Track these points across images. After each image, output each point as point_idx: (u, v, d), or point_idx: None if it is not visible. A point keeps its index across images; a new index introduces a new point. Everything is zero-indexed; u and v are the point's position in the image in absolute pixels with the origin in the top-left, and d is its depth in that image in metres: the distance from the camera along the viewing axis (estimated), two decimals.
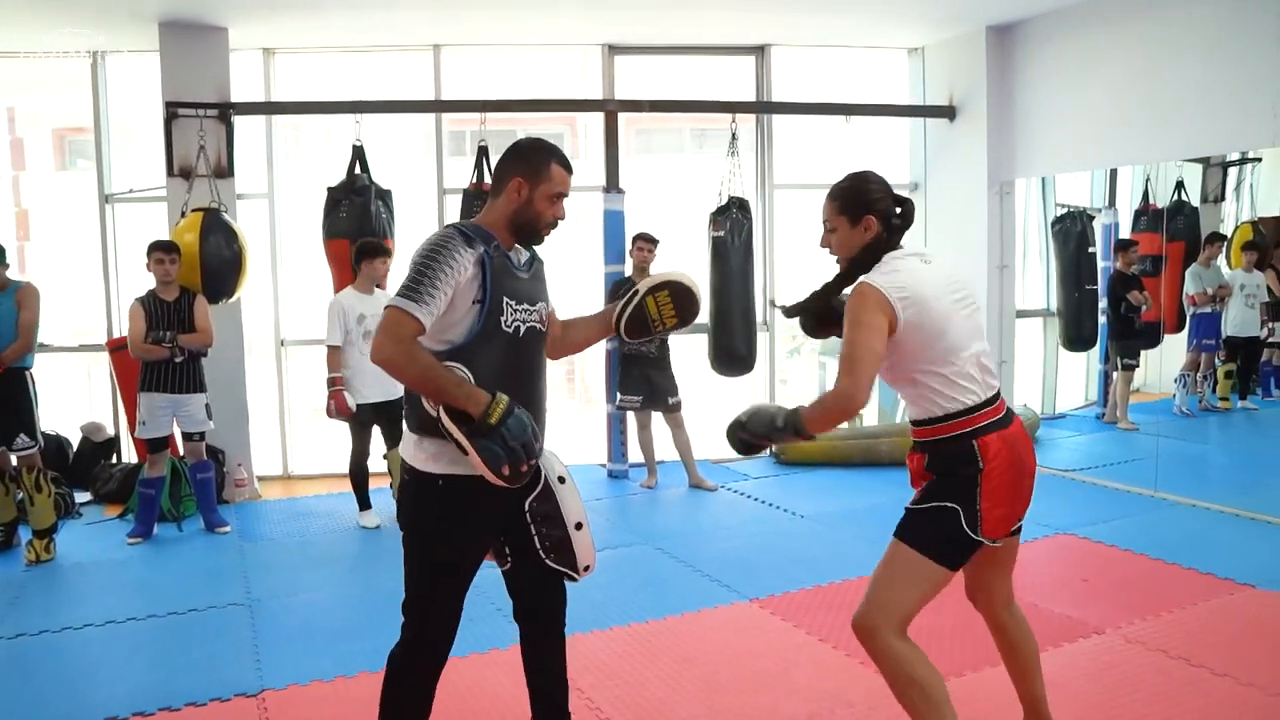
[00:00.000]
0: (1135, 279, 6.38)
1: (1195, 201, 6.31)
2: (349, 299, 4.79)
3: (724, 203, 5.92)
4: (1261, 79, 4.53)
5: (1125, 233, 6.59)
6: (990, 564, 2.29)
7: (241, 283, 5.22)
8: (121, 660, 3.30)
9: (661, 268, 5.57)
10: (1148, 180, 6.49)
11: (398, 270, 4.95)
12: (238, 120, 5.60)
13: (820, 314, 2.34)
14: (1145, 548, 4.24)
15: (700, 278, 5.85)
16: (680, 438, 5.69)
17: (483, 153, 5.65)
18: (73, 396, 6.62)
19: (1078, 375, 7.38)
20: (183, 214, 5.21)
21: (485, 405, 1.93)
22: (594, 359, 6.36)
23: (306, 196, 5.95)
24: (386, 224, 5.40)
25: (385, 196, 5.44)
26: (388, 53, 6.34)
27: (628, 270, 5.73)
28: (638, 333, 2.34)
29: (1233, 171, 6.28)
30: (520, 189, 2.09)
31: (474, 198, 5.56)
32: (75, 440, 5.95)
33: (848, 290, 2.18)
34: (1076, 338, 6.77)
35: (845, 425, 6.80)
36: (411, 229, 5.75)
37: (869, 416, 6.96)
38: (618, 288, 5.62)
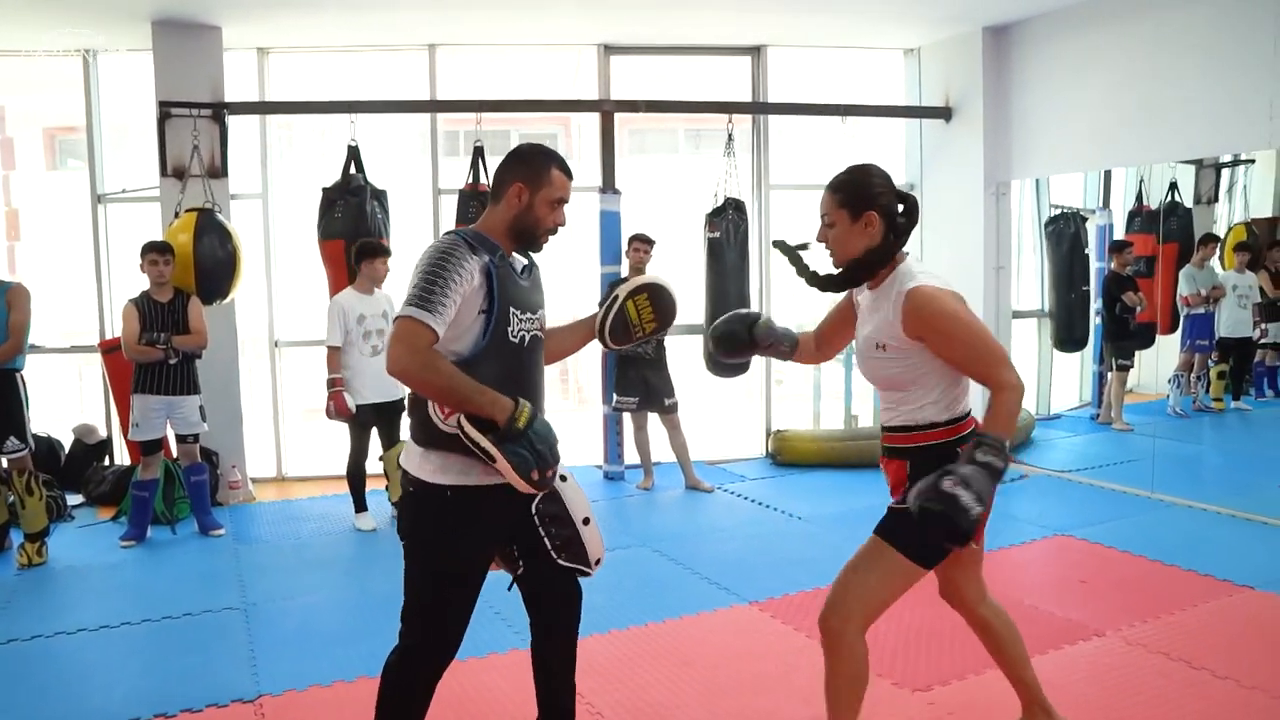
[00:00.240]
0: (1130, 280, 6.39)
1: (1188, 203, 6.32)
2: (349, 299, 4.76)
3: (720, 204, 5.91)
4: (1258, 81, 4.53)
5: (1120, 234, 6.60)
6: (958, 564, 2.28)
7: (236, 284, 5.19)
8: (116, 665, 3.26)
9: (652, 270, 5.57)
10: (1141, 181, 6.51)
11: (397, 273, 4.94)
12: (232, 120, 5.56)
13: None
14: (1143, 549, 4.24)
15: (696, 279, 5.95)
16: (677, 439, 5.68)
17: (479, 153, 5.63)
18: (64, 398, 6.58)
19: (1072, 376, 7.40)
20: (176, 214, 5.18)
21: (511, 411, 1.91)
22: (590, 360, 6.34)
23: (301, 197, 5.92)
24: (382, 224, 5.37)
25: (381, 197, 5.41)
26: (383, 52, 6.31)
27: (624, 271, 5.71)
28: (621, 339, 2.30)
29: (1225, 173, 6.30)
30: (521, 194, 2.07)
31: (470, 198, 5.53)
32: (67, 442, 5.89)
33: (864, 295, 2.14)
34: (1068, 338, 6.79)
35: (841, 426, 6.89)
36: (407, 230, 5.73)
37: (865, 418, 6.96)
38: (614, 288, 5.59)
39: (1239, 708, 2.76)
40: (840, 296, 2.35)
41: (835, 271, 2.19)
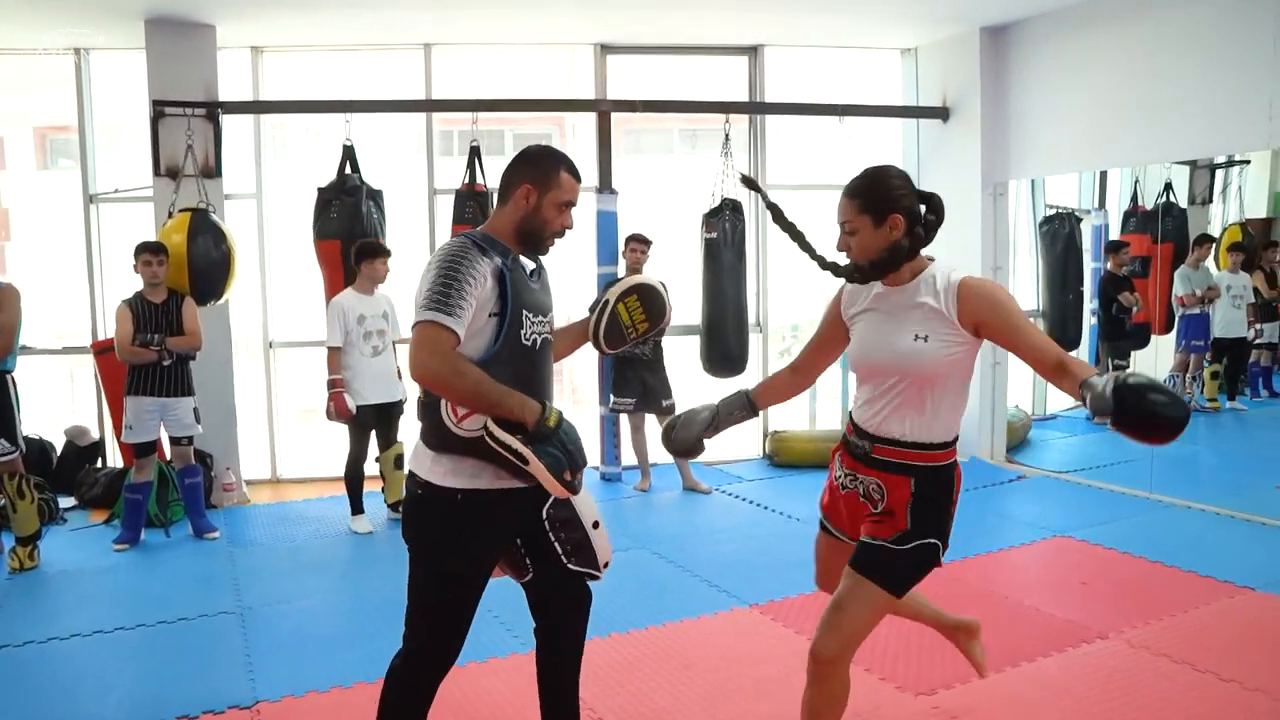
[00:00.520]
0: (1126, 280, 6.39)
1: (1183, 203, 6.33)
2: (349, 300, 4.73)
3: (717, 204, 5.89)
4: (1258, 81, 4.53)
5: (1115, 234, 6.61)
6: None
7: (230, 284, 5.14)
8: (110, 671, 3.22)
9: (648, 271, 5.55)
10: (1136, 182, 6.51)
11: (396, 273, 4.91)
12: (225, 119, 5.51)
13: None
14: (1143, 550, 4.24)
15: (693, 279, 5.93)
16: None
17: (475, 153, 5.59)
18: (56, 399, 6.52)
19: None
20: (170, 214, 5.13)
21: (541, 412, 1.90)
22: (586, 361, 6.31)
23: (295, 197, 5.88)
24: (378, 224, 5.34)
25: (376, 196, 5.38)
26: (378, 51, 6.27)
27: (621, 271, 5.68)
28: (615, 343, 2.28)
29: (1220, 173, 6.30)
30: (528, 196, 2.05)
31: (467, 198, 5.50)
32: (59, 444, 5.84)
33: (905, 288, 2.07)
34: (1061, 338, 6.77)
35: (838, 427, 6.87)
36: (402, 230, 5.69)
37: None
38: (609, 289, 5.57)
39: (1244, 711, 2.74)
40: (836, 302, 2.28)
41: (847, 262, 2.11)
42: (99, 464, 5.86)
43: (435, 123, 6.17)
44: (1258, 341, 6.37)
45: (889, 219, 2.01)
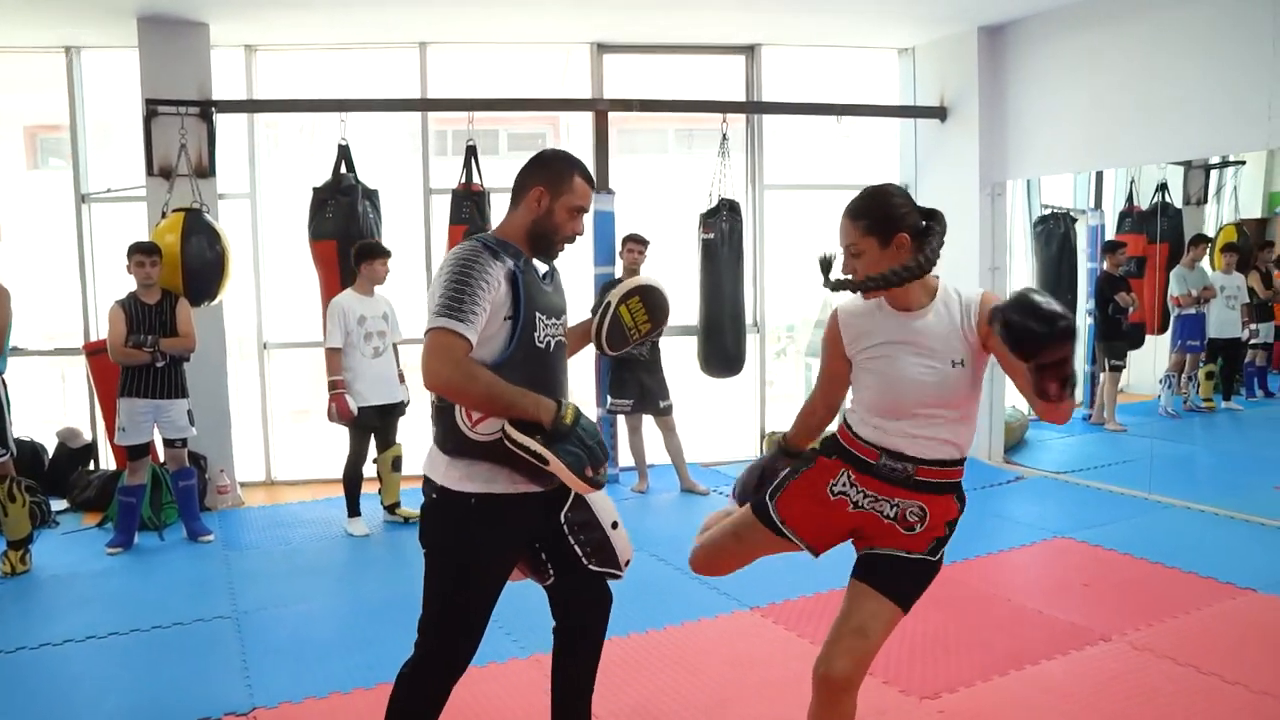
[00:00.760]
0: (1123, 280, 6.39)
1: (1178, 204, 6.33)
2: (349, 300, 4.69)
3: (714, 204, 5.86)
4: (1257, 80, 4.53)
5: (1110, 234, 6.61)
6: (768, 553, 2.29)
7: (224, 285, 5.10)
8: (104, 677, 3.17)
9: (646, 271, 5.52)
10: (1132, 182, 6.51)
11: (393, 275, 4.87)
12: (219, 119, 5.46)
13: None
14: (1144, 551, 4.23)
15: (690, 279, 5.90)
16: (672, 442, 5.63)
17: (471, 153, 5.56)
18: (48, 401, 6.46)
19: None
20: (163, 214, 5.08)
21: (557, 410, 1.89)
22: (583, 362, 6.27)
23: (287, 196, 5.83)
24: (374, 224, 5.30)
25: (372, 196, 5.34)
26: (372, 50, 6.23)
27: (618, 272, 5.66)
28: (618, 344, 2.29)
29: (1214, 174, 6.31)
30: (541, 199, 2.03)
31: (463, 198, 5.47)
32: (51, 447, 5.78)
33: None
34: None
35: (834, 426, 6.85)
36: (398, 230, 5.65)
37: None
38: (607, 289, 5.54)
39: (1251, 714, 2.73)
40: (835, 335, 2.16)
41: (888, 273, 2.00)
42: (91, 466, 5.80)
43: (430, 122, 6.13)
44: (1253, 342, 6.38)
45: (895, 239, 1.95)
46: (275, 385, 6.14)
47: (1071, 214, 6.78)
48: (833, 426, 2.20)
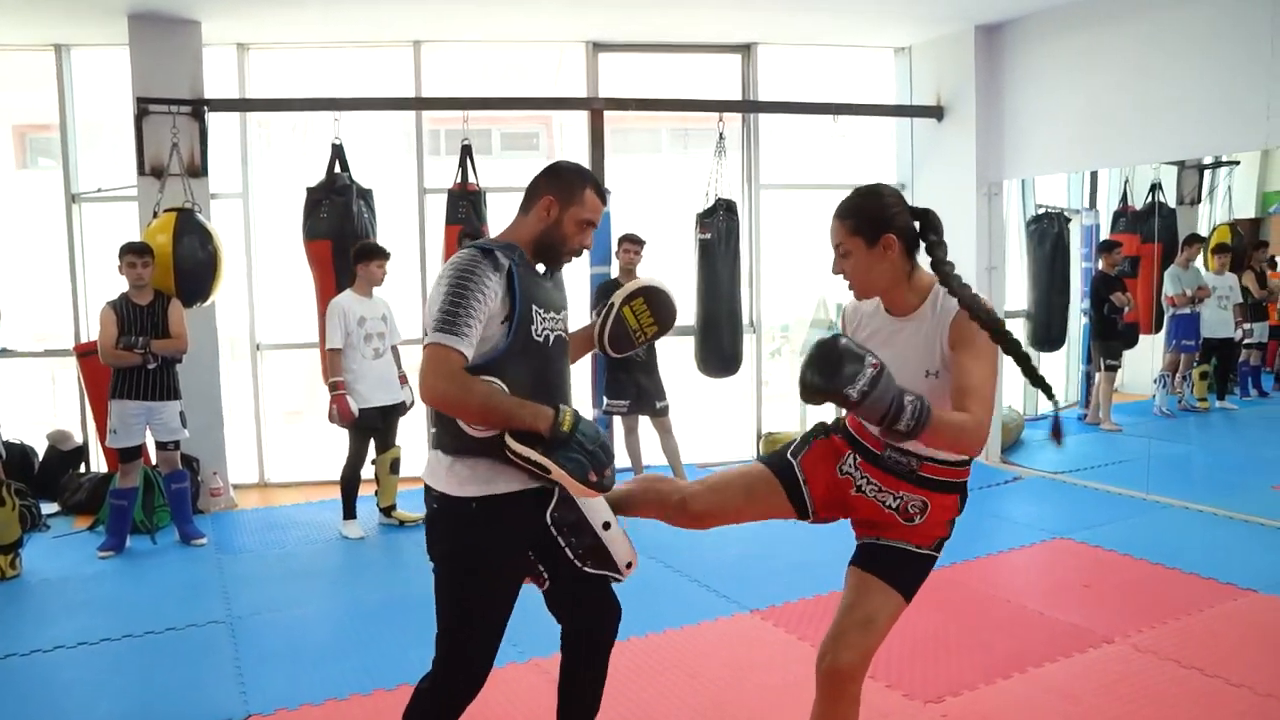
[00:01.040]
0: (1118, 280, 6.39)
1: (1171, 204, 6.34)
2: (349, 301, 4.65)
3: (711, 204, 5.83)
4: (1255, 80, 4.52)
5: (1105, 234, 6.60)
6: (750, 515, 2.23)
7: (216, 286, 5.04)
8: (96, 684, 3.13)
9: (644, 272, 5.49)
10: (1126, 182, 6.51)
11: (391, 276, 4.83)
12: (211, 117, 5.41)
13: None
14: (1144, 552, 4.21)
15: (686, 279, 5.87)
16: (668, 443, 5.59)
17: (466, 152, 5.51)
18: (38, 403, 6.40)
19: (1057, 376, 7.39)
20: (155, 214, 5.03)
21: (554, 418, 1.88)
22: (580, 362, 6.23)
23: (280, 196, 5.78)
24: (369, 224, 5.25)
25: (367, 196, 5.28)
26: (366, 49, 6.18)
27: (614, 271, 5.62)
28: (621, 346, 2.27)
29: (1208, 174, 6.31)
30: (550, 208, 2.02)
31: (459, 198, 5.42)
32: (41, 449, 5.72)
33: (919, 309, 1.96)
34: (1046, 338, 6.78)
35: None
36: (392, 229, 5.61)
37: None
38: (604, 289, 5.52)
39: (1256, 716, 2.71)
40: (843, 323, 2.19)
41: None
42: (82, 469, 5.74)
43: (423, 121, 6.08)
44: (1247, 341, 6.38)
45: (882, 239, 1.93)
46: (268, 386, 6.09)
47: (1065, 214, 6.77)
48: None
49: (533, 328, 1.96)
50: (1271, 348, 6.44)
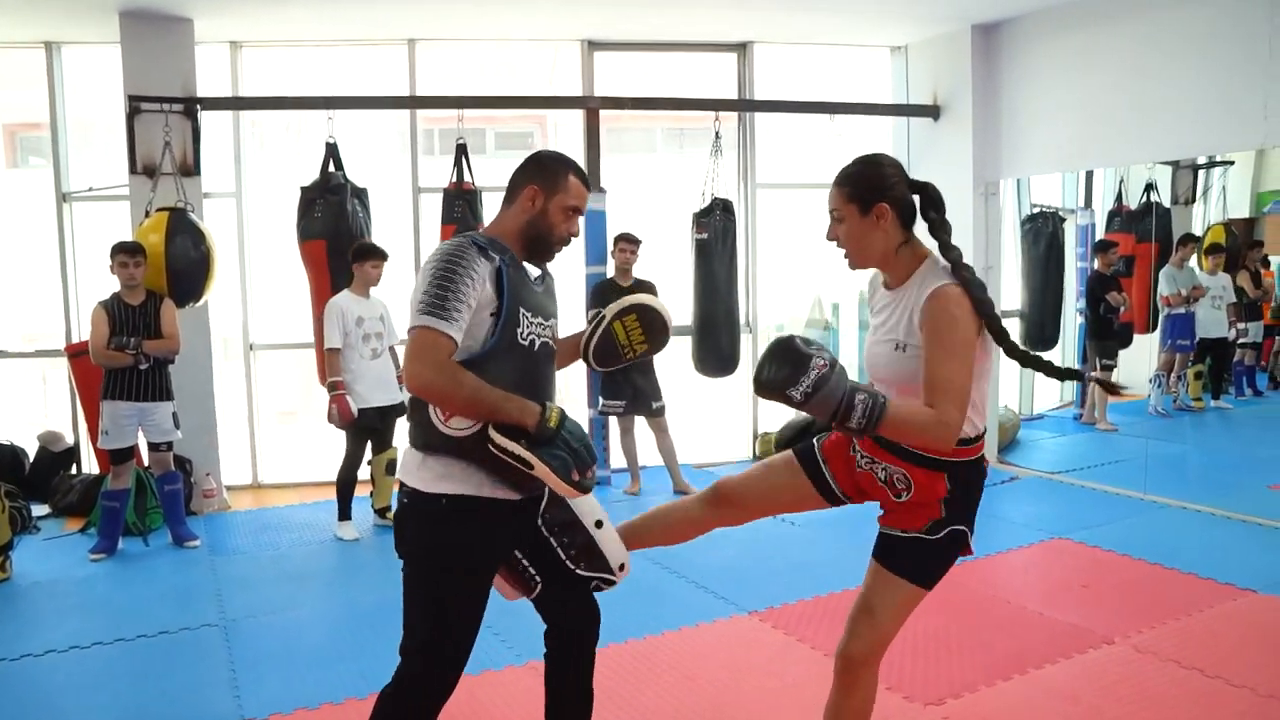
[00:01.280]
0: (1114, 280, 6.39)
1: (1167, 203, 6.34)
2: (346, 301, 4.62)
3: (707, 204, 5.81)
4: (1252, 79, 4.51)
5: (1100, 233, 6.60)
6: (777, 511, 2.25)
7: (209, 286, 5.01)
8: (87, 689, 3.09)
9: (639, 271, 5.46)
10: (1121, 182, 6.51)
11: (388, 276, 4.79)
12: (204, 116, 5.37)
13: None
14: (1142, 552, 4.21)
15: (681, 278, 5.85)
16: (664, 443, 5.58)
17: (461, 151, 5.48)
18: (29, 404, 6.36)
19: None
20: (147, 214, 4.98)
21: (541, 414, 1.83)
22: (577, 362, 6.22)
23: (274, 195, 5.74)
24: (364, 223, 5.21)
25: (361, 195, 5.24)
26: (360, 47, 6.15)
27: (609, 271, 5.60)
28: (607, 360, 2.19)
29: (1202, 174, 6.31)
30: (535, 198, 1.98)
31: (454, 198, 5.39)
32: (32, 450, 5.67)
33: (920, 293, 1.94)
34: (1039, 338, 6.78)
35: None
36: (387, 229, 5.58)
37: None
38: (599, 289, 5.50)
39: (1257, 717, 2.70)
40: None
41: None
42: (74, 470, 5.70)
43: (418, 121, 6.05)
44: (1242, 341, 6.39)
45: (875, 207, 1.95)
46: (262, 387, 6.05)
47: (1060, 213, 6.77)
48: None
49: (519, 330, 1.91)
50: (1266, 347, 6.45)
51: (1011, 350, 1.99)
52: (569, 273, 5.91)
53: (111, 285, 4.53)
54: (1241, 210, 6.31)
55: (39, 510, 5.24)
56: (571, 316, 6.11)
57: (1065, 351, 7.19)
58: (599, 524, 2.10)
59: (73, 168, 5.81)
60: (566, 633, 2.17)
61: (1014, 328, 6.87)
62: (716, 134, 5.85)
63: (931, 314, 1.87)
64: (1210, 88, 4.73)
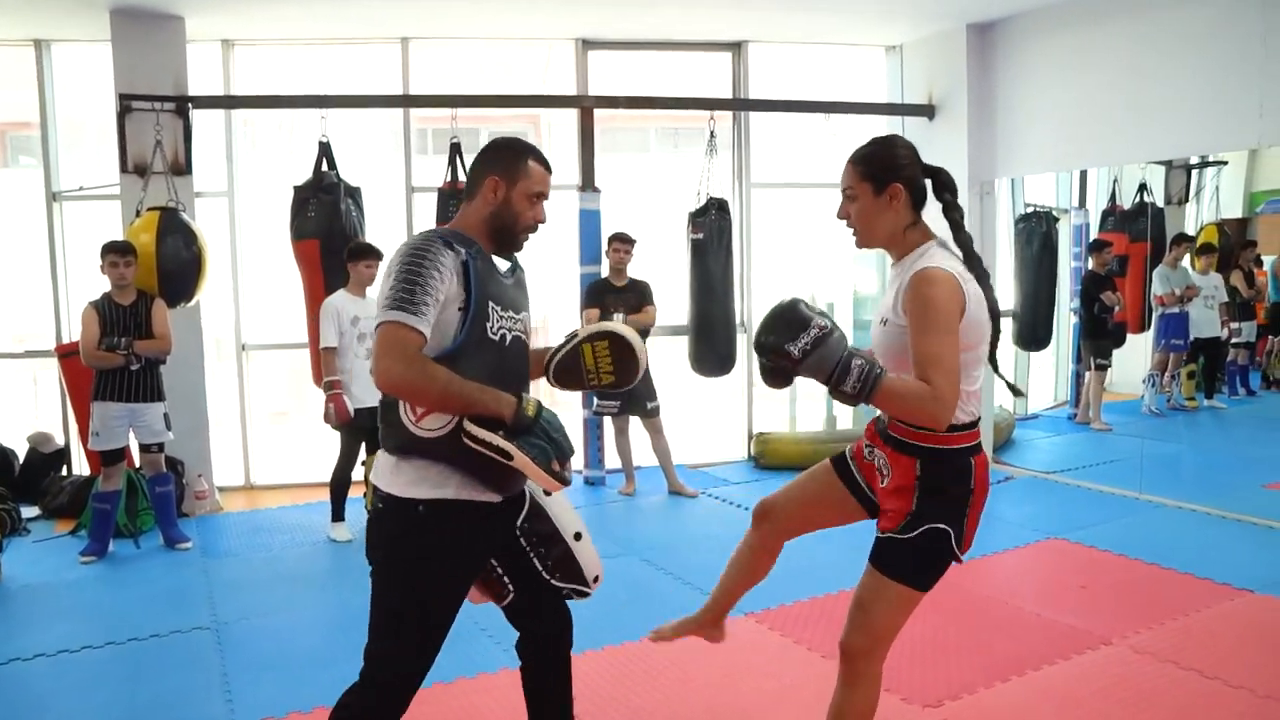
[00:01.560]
0: (1108, 279, 6.40)
1: (1160, 203, 6.35)
2: (342, 301, 4.59)
3: (703, 204, 5.79)
4: (1247, 79, 4.51)
5: (1095, 233, 6.61)
6: (826, 520, 2.28)
7: (201, 286, 4.97)
8: (77, 694, 3.05)
9: (633, 270, 5.44)
10: (1115, 181, 6.52)
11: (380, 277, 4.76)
12: (195, 114, 5.33)
13: None
14: (1138, 552, 4.20)
15: (675, 278, 5.83)
16: (659, 444, 5.56)
17: (455, 150, 5.46)
18: (19, 405, 6.31)
19: (1047, 375, 7.40)
20: (138, 213, 4.95)
21: (517, 403, 1.79)
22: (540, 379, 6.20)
23: (266, 195, 5.70)
24: (357, 223, 5.17)
25: (355, 194, 5.21)
26: (353, 46, 6.12)
27: (604, 271, 5.58)
28: (567, 381, 2.05)
29: (1195, 174, 6.32)
30: (497, 189, 1.93)
31: (449, 197, 5.36)
32: (21, 452, 5.63)
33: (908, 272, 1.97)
34: (1031, 338, 6.79)
35: (822, 427, 6.81)
36: (381, 228, 5.55)
37: (844, 419, 6.89)
38: (593, 289, 5.48)
39: (1256, 718, 2.69)
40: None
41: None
42: (64, 472, 5.66)
43: (411, 120, 6.02)
44: (1235, 340, 6.41)
45: (889, 187, 1.97)
46: (254, 387, 6.02)
47: (1054, 213, 6.78)
48: None
49: (488, 324, 1.86)
50: (1260, 346, 6.46)
51: (992, 353, 2.04)
52: (564, 273, 5.89)
53: (102, 285, 4.49)
54: (1234, 210, 6.33)
55: (29, 512, 5.20)
56: (568, 316, 6.11)
57: (1059, 351, 7.21)
58: (578, 536, 2.08)
59: (63, 167, 5.77)
60: (541, 639, 2.14)
61: (1008, 327, 6.88)
62: (711, 133, 5.83)
63: (913, 294, 1.91)
64: (1205, 87, 4.72)
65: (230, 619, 3.69)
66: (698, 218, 5.76)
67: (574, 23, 5.82)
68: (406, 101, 5.85)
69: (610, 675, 3.11)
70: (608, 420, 5.70)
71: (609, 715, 2.83)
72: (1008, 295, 6.78)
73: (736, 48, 6.31)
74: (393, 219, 5.91)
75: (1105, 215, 6.64)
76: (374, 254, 4.64)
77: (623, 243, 5.39)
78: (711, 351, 5.83)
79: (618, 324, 2.06)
